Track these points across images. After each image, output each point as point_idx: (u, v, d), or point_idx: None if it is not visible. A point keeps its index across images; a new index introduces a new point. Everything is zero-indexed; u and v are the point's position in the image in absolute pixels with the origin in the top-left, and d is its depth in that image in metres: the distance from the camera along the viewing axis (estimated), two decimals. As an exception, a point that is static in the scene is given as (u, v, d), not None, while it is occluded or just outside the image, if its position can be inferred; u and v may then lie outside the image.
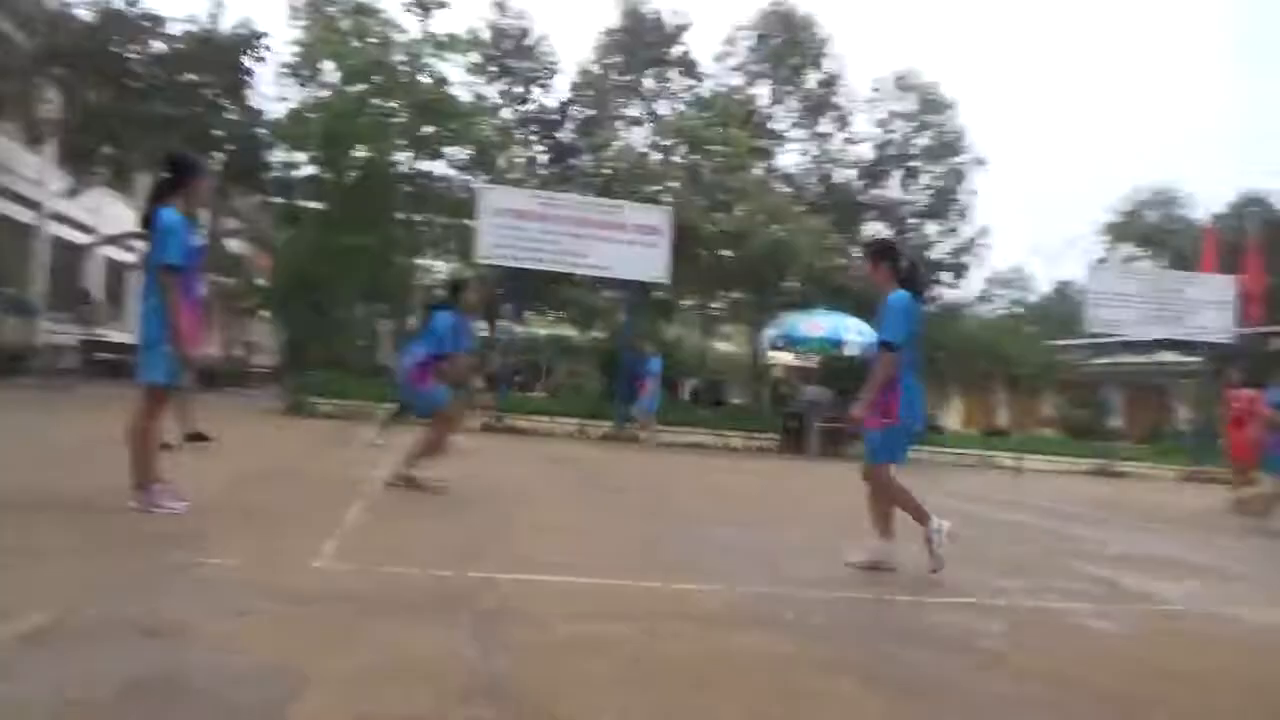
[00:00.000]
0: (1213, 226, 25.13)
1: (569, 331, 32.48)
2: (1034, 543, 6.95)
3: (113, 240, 20.43)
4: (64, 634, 2.74)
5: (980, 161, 25.59)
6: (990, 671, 3.22)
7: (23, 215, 21.16)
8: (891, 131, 25.56)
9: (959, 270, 26.21)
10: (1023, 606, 4.39)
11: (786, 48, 24.84)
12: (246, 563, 3.81)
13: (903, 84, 25.69)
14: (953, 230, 25.86)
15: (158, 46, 19.48)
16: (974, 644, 3.59)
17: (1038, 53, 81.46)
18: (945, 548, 4.86)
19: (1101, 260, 30.81)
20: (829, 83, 25.85)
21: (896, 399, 4.83)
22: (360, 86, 20.84)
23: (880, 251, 5.12)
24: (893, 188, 25.99)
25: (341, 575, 3.80)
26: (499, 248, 16.95)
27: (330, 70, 21.73)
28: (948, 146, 25.43)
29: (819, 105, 25.74)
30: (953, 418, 30.32)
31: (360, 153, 20.80)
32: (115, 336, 23.17)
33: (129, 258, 22.81)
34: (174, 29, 19.51)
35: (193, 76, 19.58)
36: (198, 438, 7.75)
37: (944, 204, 25.47)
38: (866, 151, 25.96)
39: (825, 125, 26.05)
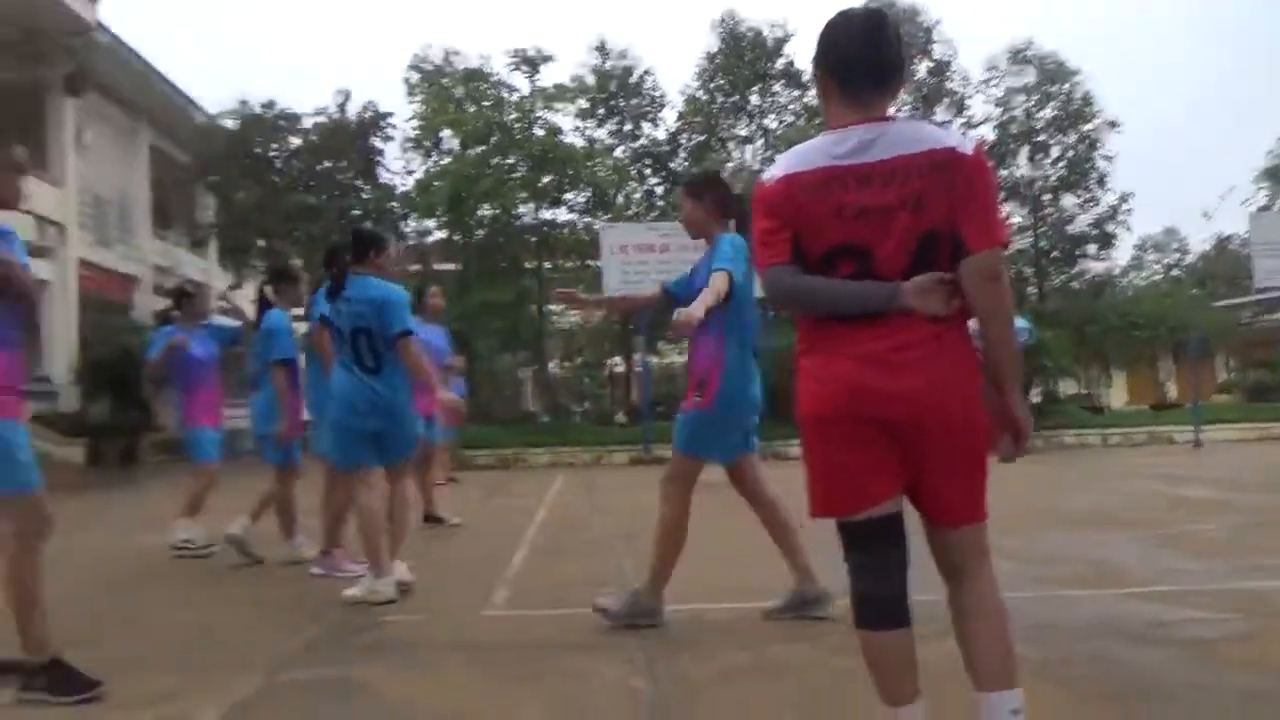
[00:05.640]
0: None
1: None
2: (1222, 519, 6.45)
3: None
4: (269, 700, 2.97)
5: (1113, 124, 24.20)
6: (1202, 665, 3.01)
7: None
8: (1012, 109, 24.56)
9: (1105, 240, 24.81)
10: (1221, 590, 4.09)
11: (891, 41, 24.34)
12: (425, 618, 4.01)
13: (1019, 58, 24.68)
14: (1093, 200, 24.53)
15: (294, 142, 20.97)
16: (1177, 636, 3.37)
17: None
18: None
19: (1263, 208, 28.46)
20: (940, 70, 25.15)
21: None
22: (479, 148, 21.75)
23: None
24: (1021, 166, 24.94)
25: (513, 622, 3.94)
26: (625, 284, 17.27)
27: (449, 137, 22.76)
28: (1075, 114, 24.19)
29: (932, 94, 25.05)
30: (1116, 395, 28.56)
31: (485, 211, 21.68)
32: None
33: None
34: (307, 122, 20.96)
35: (328, 164, 20.95)
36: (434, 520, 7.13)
37: (1079, 174, 24.21)
38: (988, 133, 25.02)
39: (941, 113, 25.30)
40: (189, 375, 6.09)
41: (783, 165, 2.01)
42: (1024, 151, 24.71)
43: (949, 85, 25.16)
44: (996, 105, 25.02)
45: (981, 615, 2.01)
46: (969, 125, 25.38)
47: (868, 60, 1.98)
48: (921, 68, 24.98)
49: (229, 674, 3.19)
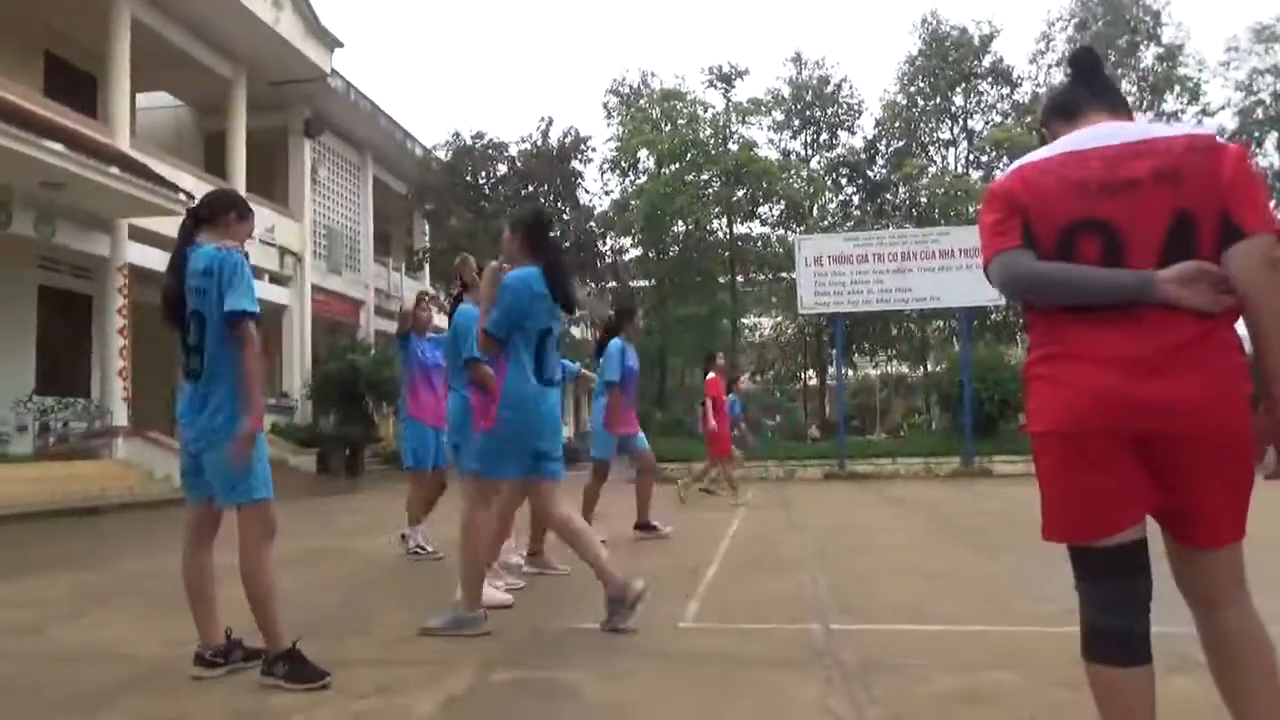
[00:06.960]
0: None
1: (901, 368, 31.54)
2: None
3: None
4: (480, 696, 3.11)
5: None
6: None
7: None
8: (1257, 92, 22.19)
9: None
10: None
11: (1112, 28, 22.64)
12: (622, 626, 4.07)
13: (1265, 35, 22.31)
14: (1363, 187, 21.75)
15: (501, 169, 22.19)
16: None
17: None
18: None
19: None
20: (1170, 56, 23.14)
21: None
22: (674, 166, 22.14)
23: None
24: (1269, 154, 22.48)
25: (706, 634, 3.93)
26: (821, 296, 16.95)
27: (645, 157, 23.31)
28: (1336, 92, 21.57)
29: (1161, 82, 23.08)
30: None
31: (679, 227, 22.02)
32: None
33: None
34: (513, 150, 22.12)
35: (531, 188, 22.02)
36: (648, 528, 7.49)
37: (1344, 159, 21.55)
38: (1228, 121, 22.74)
39: (1171, 102, 23.26)
40: (420, 377, 6.58)
41: (1017, 163, 1.93)
42: (1272, 138, 22.28)
43: (1180, 71, 23.10)
44: (1238, 89, 22.74)
45: (1248, 649, 1.78)
46: (1204, 113, 23.21)
47: (1088, 86, 1.96)
48: (1149, 54, 23.10)
49: (442, 670, 3.36)
